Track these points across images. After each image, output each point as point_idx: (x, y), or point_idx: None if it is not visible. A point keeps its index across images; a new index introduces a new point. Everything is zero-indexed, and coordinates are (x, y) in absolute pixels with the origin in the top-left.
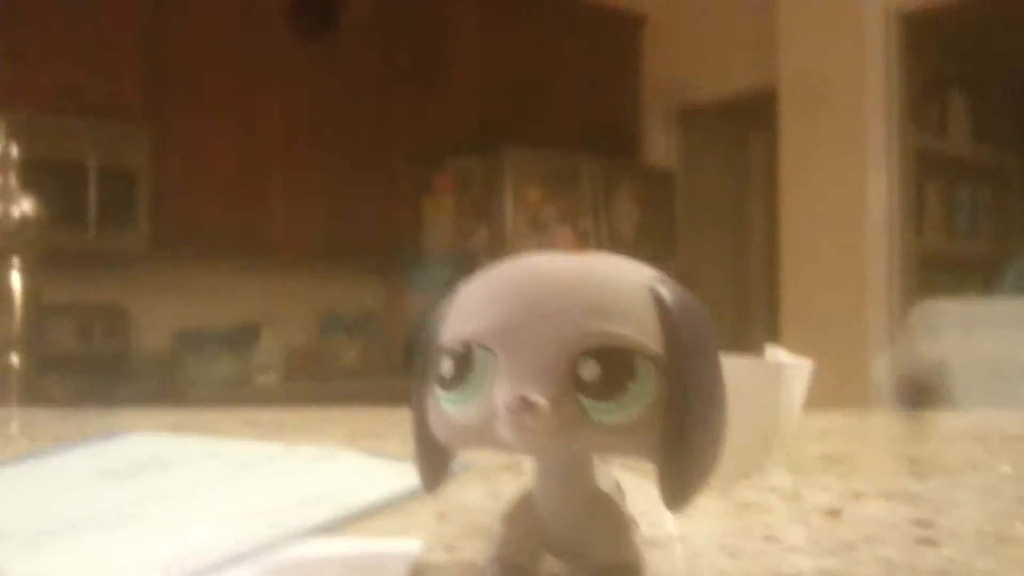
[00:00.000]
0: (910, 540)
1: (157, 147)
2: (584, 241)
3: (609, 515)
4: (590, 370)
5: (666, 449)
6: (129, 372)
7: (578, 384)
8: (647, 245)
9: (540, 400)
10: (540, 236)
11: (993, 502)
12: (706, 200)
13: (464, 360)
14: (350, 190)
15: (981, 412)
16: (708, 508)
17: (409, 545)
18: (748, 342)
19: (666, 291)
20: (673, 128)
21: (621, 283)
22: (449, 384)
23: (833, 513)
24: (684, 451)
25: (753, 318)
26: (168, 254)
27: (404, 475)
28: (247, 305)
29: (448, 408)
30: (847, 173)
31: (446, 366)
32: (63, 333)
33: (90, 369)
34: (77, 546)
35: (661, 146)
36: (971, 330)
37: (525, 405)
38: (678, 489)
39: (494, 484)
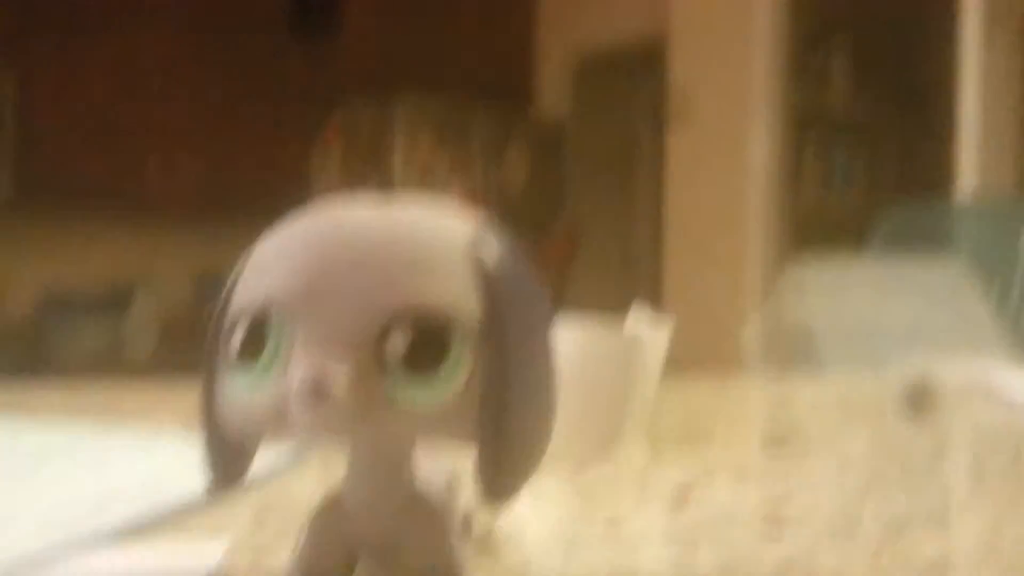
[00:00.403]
0: (755, 529)
1: (21, 85)
2: (473, 194)
3: (427, 513)
4: (397, 342)
5: (483, 434)
6: None
7: (384, 360)
8: (536, 199)
9: (337, 378)
10: (429, 189)
11: (845, 481)
12: (597, 155)
13: (256, 331)
14: (232, 137)
15: (845, 374)
16: (553, 491)
17: (211, 551)
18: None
19: (489, 252)
20: (566, 78)
21: (436, 241)
22: (239, 359)
23: (681, 497)
24: (504, 436)
25: (639, 274)
26: (32, 205)
27: None
28: (118, 265)
29: (240, 392)
30: (729, 126)
31: (236, 337)
32: None
33: None
34: None
35: (554, 97)
36: (839, 293)
37: (316, 386)
38: (497, 480)
39: (334, 475)
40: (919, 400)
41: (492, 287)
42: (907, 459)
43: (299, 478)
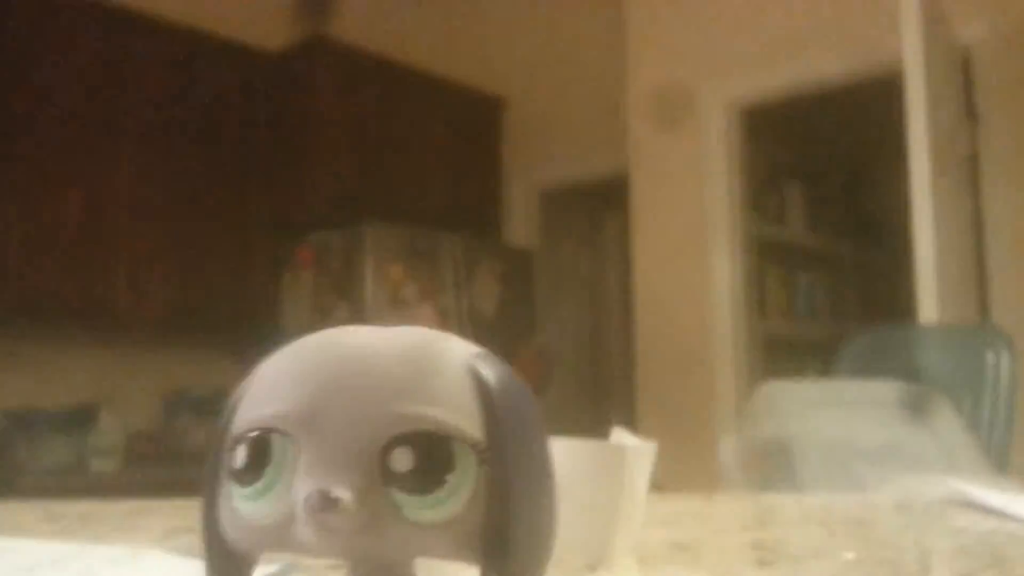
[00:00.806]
0: None
1: None
2: (445, 318)
3: None
4: (402, 460)
5: (488, 547)
6: None
7: (389, 476)
8: (508, 323)
9: (343, 495)
10: (401, 314)
11: None
12: (565, 279)
13: (260, 449)
14: (202, 261)
15: (823, 495)
16: None
17: None
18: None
19: (487, 369)
20: (532, 208)
21: (437, 360)
22: (243, 477)
23: None
24: (508, 548)
25: (610, 396)
26: (0, 324)
27: None
28: (85, 383)
29: (243, 506)
30: (693, 258)
31: (240, 456)
32: None
33: None
34: None
35: (521, 226)
36: (811, 411)
37: (326, 501)
38: None
39: None
40: (918, 404)
41: (493, 404)
42: (896, 569)
43: None
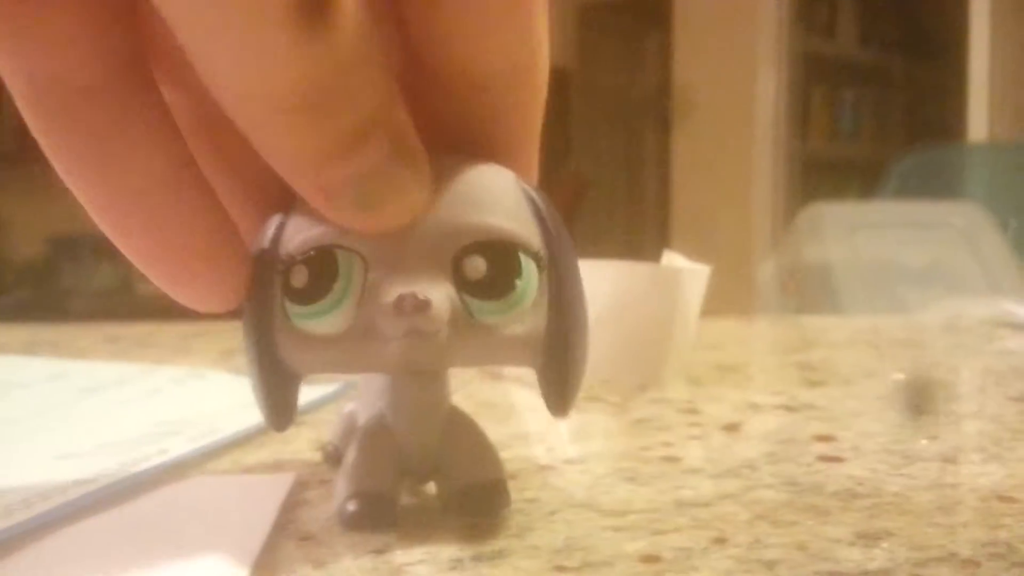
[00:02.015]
0: (813, 457)
1: None
2: None
3: (469, 432)
4: (476, 267)
5: (552, 353)
6: (1, 282)
7: (462, 283)
8: (541, 144)
9: (433, 296)
10: None
11: (892, 413)
12: (601, 102)
13: (323, 267)
14: None
15: (868, 316)
16: (605, 426)
17: (280, 481)
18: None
19: (533, 190)
20: (568, 25)
21: (493, 176)
22: (305, 296)
23: (732, 428)
24: (567, 355)
25: (645, 222)
26: (34, 156)
27: None
28: None
29: (306, 324)
30: (736, 75)
31: (299, 276)
32: None
33: None
34: None
35: (556, 43)
36: (855, 233)
37: (418, 303)
38: (563, 394)
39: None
40: (919, 399)
41: (545, 219)
42: (949, 390)
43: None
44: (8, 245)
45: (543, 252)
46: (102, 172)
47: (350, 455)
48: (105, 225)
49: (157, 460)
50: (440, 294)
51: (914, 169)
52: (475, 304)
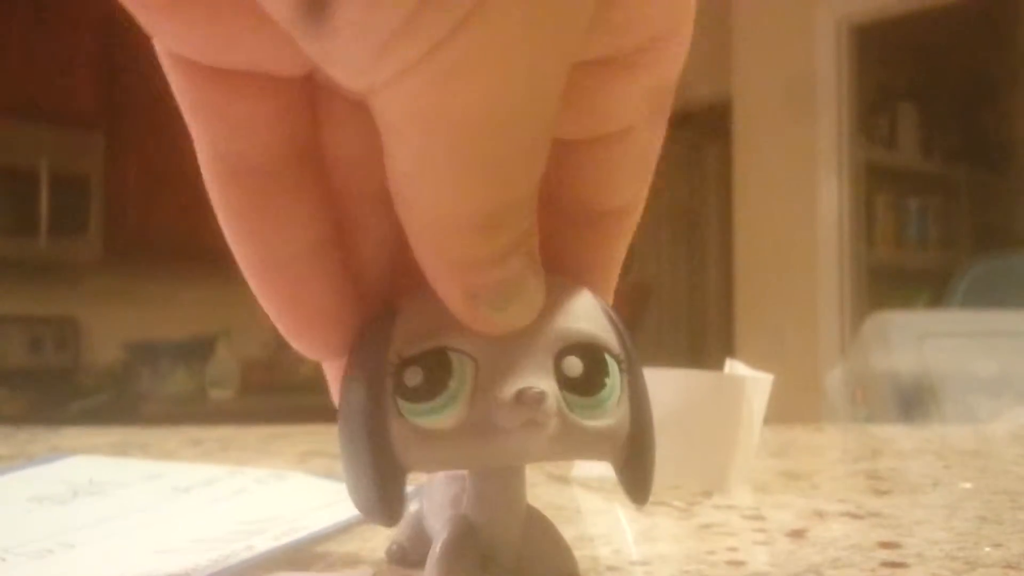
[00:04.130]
0: (877, 563)
1: (110, 153)
2: None
3: (546, 529)
4: (573, 366)
5: (631, 447)
6: (80, 386)
7: (562, 380)
8: None
9: (547, 387)
10: None
11: (957, 522)
12: (662, 211)
13: (437, 367)
14: None
15: (936, 426)
16: (670, 530)
17: (359, 575)
18: (704, 355)
19: (607, 303)
20: None
21: (576, 291)
22: (420, 394)
23: (797, 534)
24: (646, 449)
25: (708, 331)
26: (121, 263)
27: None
28: (202, 317)
29: (420, 420)
30: (799, 184)
31: (414, 376)
32: (13, 346)
33: (41, 383)
34: None
35: None
36: (923, 342)
37: (536, 395)
38: (644, 485)
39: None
40: (916, 399)
41: (618, 324)
42: (1017, 500)
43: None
44: (88, 350)
45: (623, 355)
46: (260, 236)
47: (435, 552)
48: (254, 282)
49: (245, 556)
50: (550, 387)
51: (982, 277)
52: (572, 399)
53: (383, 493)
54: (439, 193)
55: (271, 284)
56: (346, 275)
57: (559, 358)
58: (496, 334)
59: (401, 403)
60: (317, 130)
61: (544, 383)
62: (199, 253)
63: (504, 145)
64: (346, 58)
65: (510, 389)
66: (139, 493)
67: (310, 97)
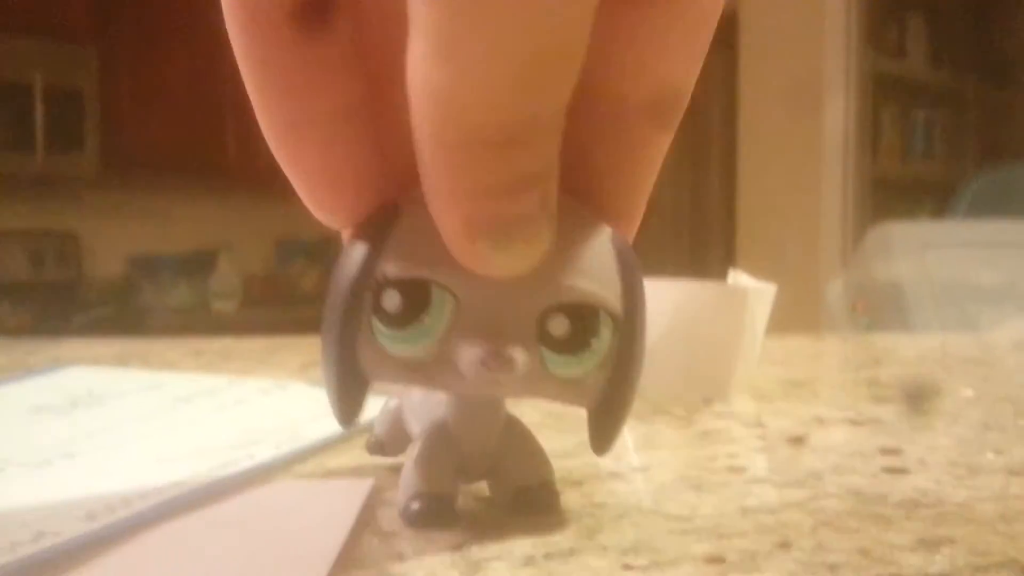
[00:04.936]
0: (878, 468)
1: (104, 67)
2: None
3: (523, 437)
4: (559, 325)
5: (604, 401)
6: (83, 300)
7: (544, 337)
8: None
9: (517, 356)
10: None
11: (959, 428)
12: None
13: (416, 297)
14: None
15: (937, 335)
16: (671, 437)
17: (360, 484)
18: (706, 265)
19: (623, 247)
20: None
21: (587, 234)
22: (394, 320)
23: (797, 441)
24: (620, 404)
25: (711, 240)
26: (120, 178)
27: None
28: (203, 230)
29: (390, 345)
30: (803, 96)
31: (392, 301)
32: (14, 261)
33: (42, 297)
34: None
35: None
36: (925, 252)
37: (503, 361)
38: (608, 437)
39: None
40: (917, 397)
41: (630, 279)
42: (1019, 407)
43: None
44: (90, 265)
45: (620, 313)
46: (290, 96)
47: (412, 457)
48: (278, 144)
49: (246, 464)
50: (522, 353)
51: (985, 188)
52: (550, 356)
53: (342, 399)
54: (466, 98)
55: (296, 146)
56: (373, 144)
57: (546, 315)
58: (487, 275)
59: (375, 323)
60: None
61: (518, 345)
62: (197, 167)
63: (545, 40)
64: None
65: (479, 346)
66: (139, 403)
67: None
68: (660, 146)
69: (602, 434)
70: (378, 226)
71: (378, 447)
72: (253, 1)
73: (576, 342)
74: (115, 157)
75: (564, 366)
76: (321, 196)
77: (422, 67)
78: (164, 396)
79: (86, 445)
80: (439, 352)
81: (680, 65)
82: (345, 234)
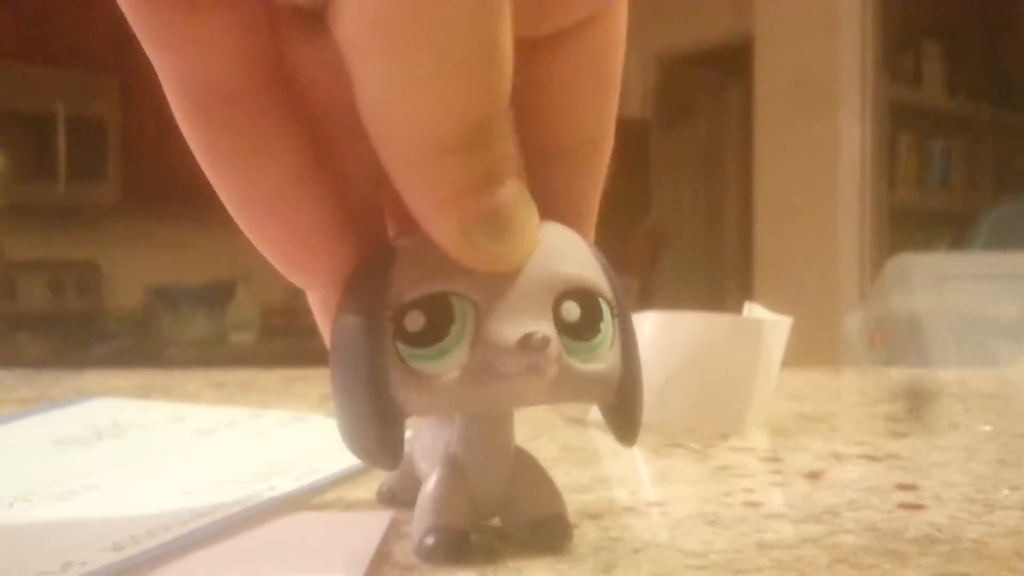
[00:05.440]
0: (894, 504)
1: (127, 97)
2: None
3: (533, 470)
4: (571, 311)
5: (620, 392)
6: (102, 330)
7: (561, 325)
8: (621, 198)
9: (550, 332)
10: None
11: (976, 464)
12: (682, 151)
13: (438, 312)
14: None
15: (955, 369)
16: (687, 471)
17: (380, 517)
18: (722, 297)
19: (593, 245)
20: (648, 77)
21: (569, 234)
22: (421, 339)
23: (814, 476)
24: (635, 391)
25: (727, 273)
26: (140, 208)
27: None
28: (222, 261)
29: (421, 365)
30: (820, 125)
31: (416, 321)
32: (35, 290)
33: (62, 327)
34: (22, 521)
35: (635, 95)
36: (944, 285)
37: (540, 340)
38: (632, 426)
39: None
40: (917, 402)
41: (608, 271)
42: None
43: None
44: (110, 295)
45: (613, 300)
46: (240, 168)
47: (426, 492)
48: (239, 216)
49: (267, 496)
50: (552, 332)
51: (1004, 219)
52: (569, 344)
53: (383, 438)
54: (414, 112)
55: (257, 217)
56: (334, 200)
57: (558, 303)
58: (496, 270)
59: (402, 348)
60: (282, 51)
61: (546, 328)
62: (217, 198)
63: (474, 44)
64: None
65: (513, 334)
66: (162, 435)
67: (271, 16)
68: (593, 182)
69: (624, 424)
70: (377, 264)
71: (389, 496)
72: (193, 88)
73: (587, 327)
74: (136, 187)
75: (580, 353)
76: (289, 260)
77: (369, 94)
78: (187, 428)
79: (111, 476)
80: (473, 360)
81: (596, 104)
82: (313, 295)
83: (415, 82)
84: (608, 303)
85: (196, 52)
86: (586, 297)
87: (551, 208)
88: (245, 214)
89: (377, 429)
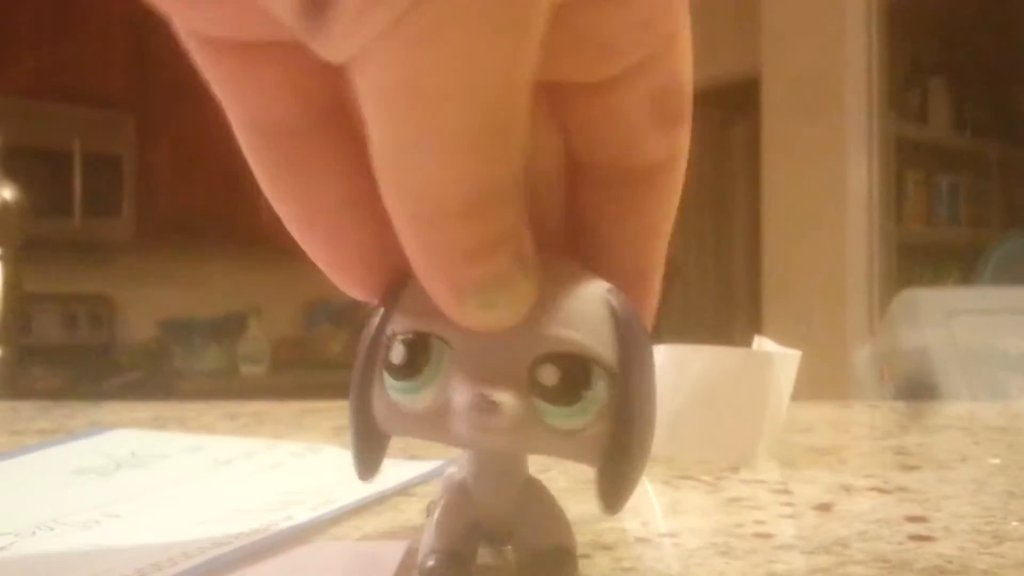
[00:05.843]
0: (904, 536)
1: (141, 134)
2: None
3: (541, 500)
4: (549, 375)
5: (610, 458)
6: (116, 363)
7: (535, 387)
8: None
9: (503, 400)
10: None
11: (985, 496)
12: (690, 187)
13: (419, 350)
14: None
15: (964, 402)
16: (698, 503)
17: (395, 546)
18: (731, 332)
19: (618, 303)
20: None
21: (579, 290)
22: (400, 372)
23: (824, 508)
24: (626, 461)
25: (736, 308)
26: (154, 243)
27: (389, 472)
28: (233, 295)
29: (396, 396)
30: (828, 162)
31: (398, 354)
32: (49, 324)
33: (76, 360)
34: (46, 549)
35: None
36: (952, 319)
37: (488, 405)
38: (616, 495)
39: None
40: (917, 407)
41: (624, 333)
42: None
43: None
44: (123, 328)
45: (616, 366)
46: (295, 197)
47: (434, 515)
48: (298, 234)
49: (284, 526)
50: (510, 399)
51: (1011, 254)
52: (543, 407)
53: (362, 451)
54: (420, 175)
55: (310, 235)
56: (381, 223)
57: (536, 364)
58: (482, 331)
59: (386, 377)
60: (339, 91)
61: (507, 392)
62: (229, 233)
63: (481, 116)
64: (322, 31)
65: (467, 393)
66: (181, 465)
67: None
68: (660, 210)
69: (608, 491)
70: (390, 293)
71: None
72: (257, 125)
73: (567, 393)
74: (150, 222)
75: (558, 417)
76: (340, 273)
77: (381, 153)
78: (204, 459)
79: (131, 506)
80: (440, 402)
81: (654, 134)
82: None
83: (423, 148)
84: (606, 369)
85: (257, 96)
86: (571, 362)
87: (610, 241)
88: (301, 233)
89: (359, 442)
